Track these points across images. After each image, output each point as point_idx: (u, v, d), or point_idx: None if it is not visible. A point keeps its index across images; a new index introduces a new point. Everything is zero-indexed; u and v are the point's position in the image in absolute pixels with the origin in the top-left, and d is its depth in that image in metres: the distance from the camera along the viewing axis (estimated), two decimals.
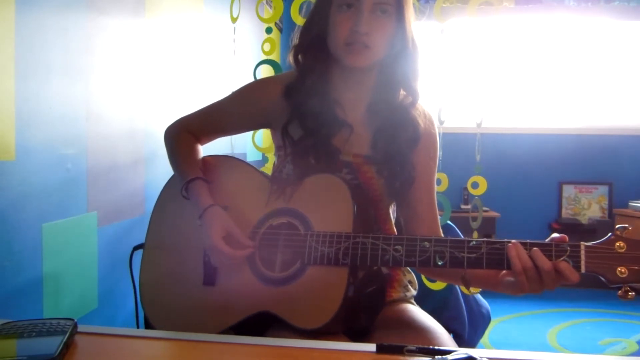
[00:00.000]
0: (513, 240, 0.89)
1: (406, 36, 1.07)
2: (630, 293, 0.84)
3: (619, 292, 0.85)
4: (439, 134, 1.21)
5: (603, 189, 4.07)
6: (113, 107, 1.76)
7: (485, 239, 0.91)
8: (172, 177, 1.17)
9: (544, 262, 0.86)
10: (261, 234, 1.03)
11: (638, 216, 3.67)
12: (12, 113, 1.30)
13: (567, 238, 0.89)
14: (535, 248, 0.87)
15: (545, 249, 0.87)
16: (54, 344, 0.72)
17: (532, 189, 4.09)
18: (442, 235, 1.15)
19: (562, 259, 0.86)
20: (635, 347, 2.80)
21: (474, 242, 0.91)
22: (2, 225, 1.28)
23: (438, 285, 1.45)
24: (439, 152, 1.19)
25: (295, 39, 1.15)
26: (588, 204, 4.09)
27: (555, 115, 4.14)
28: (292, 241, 0.99)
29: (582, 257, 0.86)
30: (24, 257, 1.36)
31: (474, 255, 0.90)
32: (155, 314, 1.07)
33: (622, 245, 0.85)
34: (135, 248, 1.18)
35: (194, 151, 1.16)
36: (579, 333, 3.00)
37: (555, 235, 0.90)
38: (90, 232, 1.65)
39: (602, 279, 0.86)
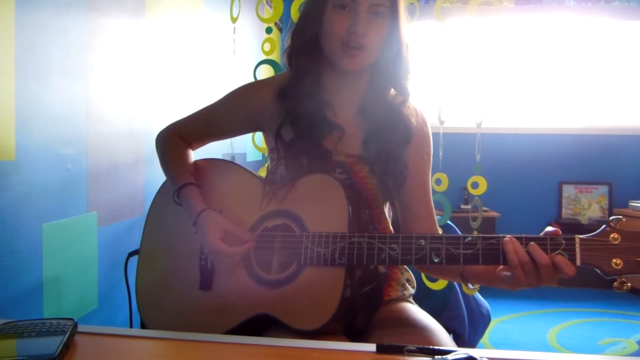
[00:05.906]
0: (508, 235, 0.89)
1: (400, 38, 1.06)
2: (626, 284, 0.84)
3: (615, 283, 0.85)
4: (439, 134, 1.21)
5: (603, 189, 4.07)
6: (113, 107, 1.76)
7: (480, 235, 0.91)
8: (165, 182, 1.17)
9: (542, 257, 0.86)
10: (257, 236, 1.03)
11: (638, 216, 3.67)
12: (12, 113, 1.30)
13: (560, 232, 0.89)
14: (532, 243, 0.87)
15: (541, 243, 0.88)
16: (54, 344, 0.73)
17: (532, 189, 4.09)
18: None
19: (557, 252, 0.87)
20: (635, 347, 2.80)
21: (470, 239, 0.91)
22: (2, 225, 1.28)
23: (438, 285, 1.45)
24: (439, 152, 1.18)
25: (288, 40, 1.13)
26: (588, 204, 4.09)
27: (555, 115, 4.13)
28: (287, 243, 0.99)
29: (577, 250, 0.86)
30: (24, 257, 1.36)
31: (469, 251, 0.90)
32: (152, 319, 1.07)
33: (616, 236, 0.85)
34: (131, 254, 1.17)
35: (185, 156, 1.15)
36: (579, 333, 2.99)
37: (549, 229, 0.90)
38: (90, 232, 1.65)
39: (598, 271, 0.86)
